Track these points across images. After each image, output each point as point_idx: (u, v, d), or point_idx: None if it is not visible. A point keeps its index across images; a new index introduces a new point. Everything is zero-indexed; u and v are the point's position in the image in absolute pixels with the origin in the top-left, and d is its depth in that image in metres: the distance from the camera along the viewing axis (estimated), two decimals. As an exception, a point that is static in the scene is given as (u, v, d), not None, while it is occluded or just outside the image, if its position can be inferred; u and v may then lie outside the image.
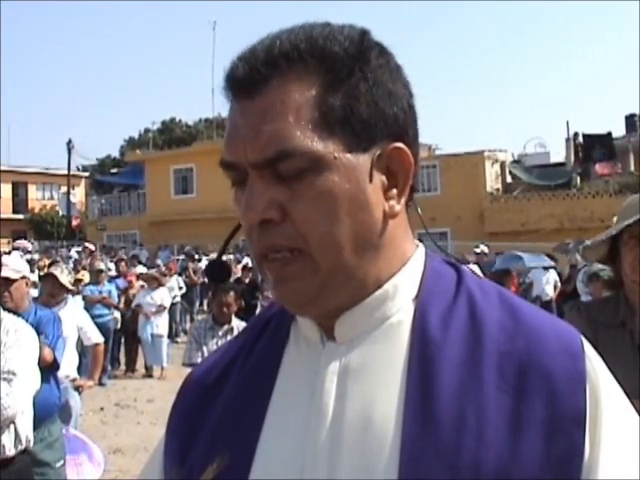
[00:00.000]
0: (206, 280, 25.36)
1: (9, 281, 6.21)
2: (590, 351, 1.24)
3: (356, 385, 1.24)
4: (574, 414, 1.16)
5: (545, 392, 1.17)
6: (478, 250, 21.03)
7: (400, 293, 1.28)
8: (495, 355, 1.21)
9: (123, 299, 18.06)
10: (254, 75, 1.19)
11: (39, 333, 5.95)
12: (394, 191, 1.25)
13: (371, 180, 1.21)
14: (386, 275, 1.28)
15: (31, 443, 5.19)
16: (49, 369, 6.01)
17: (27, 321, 5.99)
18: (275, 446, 1.25)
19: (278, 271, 1.22)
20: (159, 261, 28.30)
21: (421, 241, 1.41)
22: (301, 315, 1.34)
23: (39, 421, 5.82)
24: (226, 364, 1.44)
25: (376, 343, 1.26)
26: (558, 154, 46.65)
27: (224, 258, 1.55)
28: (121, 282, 19.22)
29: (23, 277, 6.38)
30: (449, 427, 1.15)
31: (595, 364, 1.22)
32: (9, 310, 6.02)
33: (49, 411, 6.07)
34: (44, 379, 5.73)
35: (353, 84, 1.20)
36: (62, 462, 6.15)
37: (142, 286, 19.18)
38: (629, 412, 1.23)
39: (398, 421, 1.18)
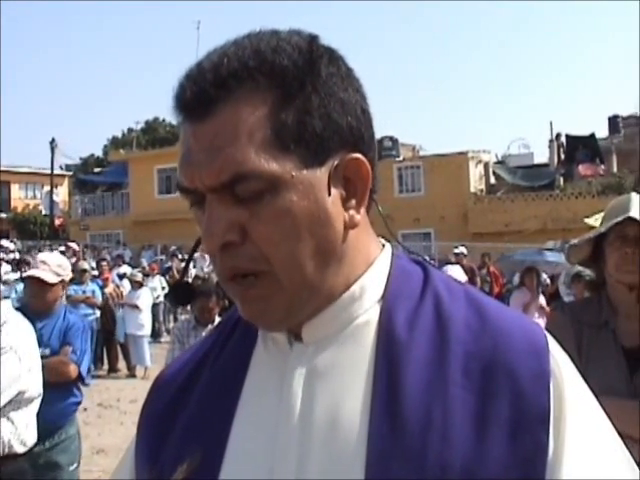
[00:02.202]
0: (189, 280, 25.35)
1: (46, 284, 5.88)
2: (555, 349, 1.24)
3: (323, 386, 1.24)
4: (538, 413, 1.16)
5: (510, 392, 1.17)
6: (458, 251, 21.11)
7: (366, 294, 1.28)
8: (461, 355, 1.21)
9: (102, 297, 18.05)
10: (203, 97, 1.16)
11: (66, 342, 5.86)
12: (353, 201, 1.24)
13: (329, 193, 1.19)
14: (352, 278, 1.28)
15: (21, 449, 4.96)
16: (73, 383, 5.89)
17: (55, 325, 5.91)
18: (245, 446, 1.25)
19: (243, 293, 1.22)
20: (144, 261, 28.30)
21: (390, 242, 1.41)
22: (270, 332, 1.34)
23: (57, 425, 5.79)
24: (197, 363, 1.43)
25: (343, 344, 1.26)
26: (542, 155, 46.87)
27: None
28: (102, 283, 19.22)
29: (62, 281, 6.04)
30: (415, 427, 1.15)
31: (560, 362, 1.23)
32: (37, 311, 5.88)
33: (67, 414, 5.93)
34: (62, 384, 5.70)
35: (305, 99, 1.18)
36: (75, 465, 5.99)
37: (117, 286, 19.18)
38: (594, 410, 1.24)
39: (365, 421, 1.18)
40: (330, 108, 1.20)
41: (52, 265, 5.92)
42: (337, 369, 1.25)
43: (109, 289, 18.42)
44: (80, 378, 5.95)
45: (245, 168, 1.14)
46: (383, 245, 1.37)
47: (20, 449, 4.98)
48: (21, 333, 4.99)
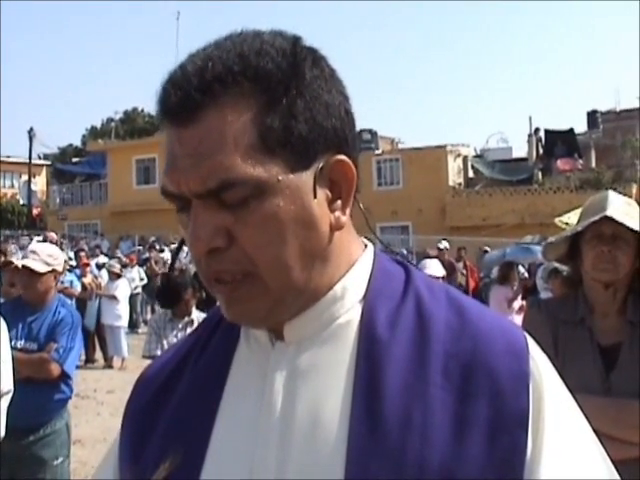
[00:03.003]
0: (166, 270, 25.32)
1: (35, 274, 5.75)
2: (535, 351, 1.26)
3: (305, 385, 1.25)
4: (517, 414, 1.17)
5: (489, 393, 1.18)
6: (442, 246, 21.05)
7: (348, 294, 1.29)
8: (441, 355, 1.22)
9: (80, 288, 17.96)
10: (188, 103, 1.15)
11: (53, 339, 5.77)
12: (338, 202, 1.25)
13: (315, 196, 1.20)
14: (335, 279, 1.28)
15: None
16: (57, 381, 5.76)
17: (45, 320, 5.82)
18: (226, 445, 1.26)
19: (228, 295, 1.22)
20: (119, 252, 28.23)
21: (370, 238, 1.42)
22: (252, 328, 1.34)
23: (42, 420, 5.75)
24: (180, 361, 1.44)
25: (325, 344, 1.27)
26: (520, 149, 46.93)
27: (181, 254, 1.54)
28: (80, 272, 19.15)
29: (53, 270, 5.86)
30: (395, 426, 1.16)
31: (539, 364, 1.24)
32: (29, 303, 5.84)
33: (53, 410, 5.85)
34: (47, 380, 5.65)
35: (290, 103, 1.18)
36: (61, 459, 5.90)
37: (95, 276, 19.10)
38: (573, 411, 1.26)
39: (345, 420, 1.19)
40: (315, 111, 1.20)
41: (42, 254, 5.80)
42: (318, 368, 1.26)
43: (87, 279, 18.33)
44: (64, 375, 5.81)
45: (232, 175, 1.14)
46: (365, 245, 1.38)
47: None
48: None
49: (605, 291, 3.25)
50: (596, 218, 3.15)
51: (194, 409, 1.32)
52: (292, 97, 1.18)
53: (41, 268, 5.76)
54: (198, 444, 1.28)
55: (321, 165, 1.21)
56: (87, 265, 19.15)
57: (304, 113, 1.19)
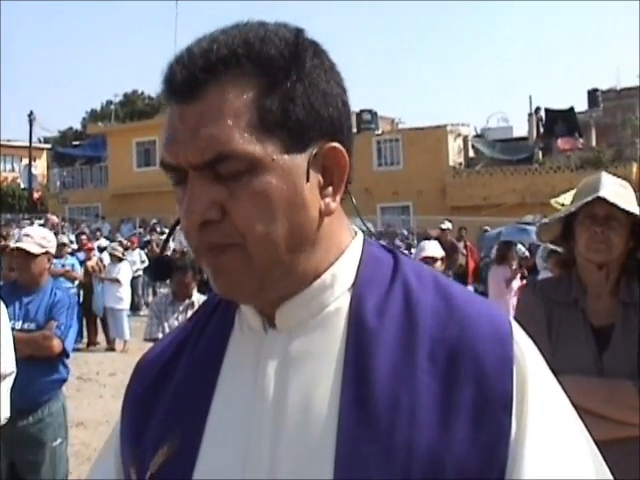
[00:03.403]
0: (169, 253, 25.36)
1: (30, 255, 5.90)
2: (519, 336, 1.28)
3: (296, 372, 1.27)
4: (501, 398, 1.20)
5: (475, 377, 1.21)
6: (444, 226, 20.99)
7: (338, 282, 1.32)
8: (428, 341, 1.25)
9: (83, 271, 18.00)
10: (192, 81, 1.20)
11: (51, 318, 5.86)
12: (330, 189, 1.28)
13: (308, 180, 1.23)
14: (324, 266, 1.31)
15: None
16: (58, 357, 5.86)
17: (41, 301, 5.92)
18: (221, 430, 1.29)
19: (213, 262, 1.25)
20: (119, 235, 28.25)
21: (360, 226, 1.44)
22: (242, 304, 1.37)
23: (40, 401, 5.80)
24: (178, 345, 1.47)
25: (315, 331, 1.30)
26: (521, 128, 46.88)
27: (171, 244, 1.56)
28: (82, 255, 19.18)
29: (46, 252, 6.05)
30: (383, 411, 1.19)
31: (524, 348, 1.26)
32: (24, 285, 5.95)
33: (51, 390, 5.91)
34: (47, 360, 5.72)
35: (289, 87, 1.22)
36: (60, 440, 5.97)
37: (100, 259, 19.13)
38: (556, 394, 1.29)
39: (335, 405, 1.22)
40: (313, 98, 1.24)
41: (36, 237, 5.94)
42: (309, 355, 1.28)
43: (92, 262, 18.36)
44: (64, 353, 5.92)
45: (228, 148, 1.18)
46: (355, 232, 1.40)
47: None
48: None
49: (598, 272, 3.26)
50: (589, 199, 3.16)
51: (191, 394, 1.35)
52: (292, 82, 1.22)
53: (35, 250, 5.89)
54: (194, 429, 1.31)
55: (315, 150, 1.24)
56: (91, 249, 19.17)
57: (302, 98, 1.23)
